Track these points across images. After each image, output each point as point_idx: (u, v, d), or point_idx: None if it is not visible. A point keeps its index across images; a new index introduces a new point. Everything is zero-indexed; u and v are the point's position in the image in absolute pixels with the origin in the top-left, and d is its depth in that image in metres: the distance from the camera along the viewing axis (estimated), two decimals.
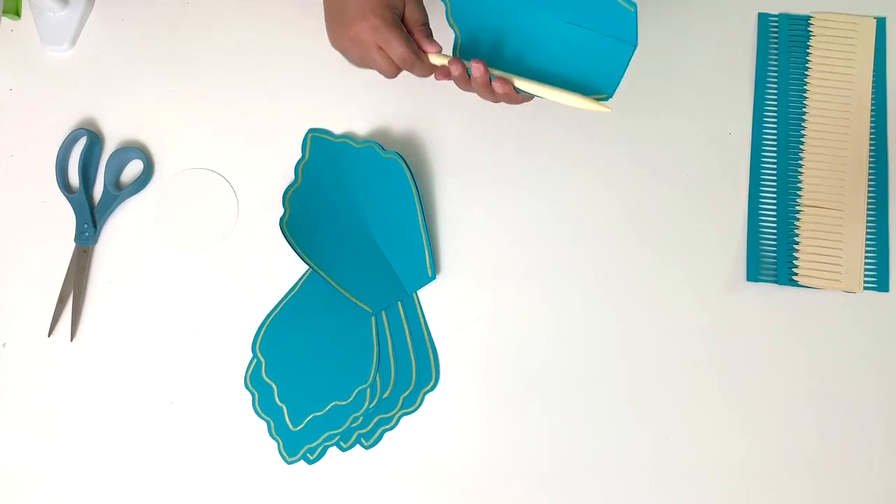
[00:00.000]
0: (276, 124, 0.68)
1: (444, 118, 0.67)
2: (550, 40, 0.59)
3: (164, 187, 0.68)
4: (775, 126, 0.66)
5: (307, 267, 0.65)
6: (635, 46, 0.56)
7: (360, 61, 0.57)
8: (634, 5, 0.55)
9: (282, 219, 0.65)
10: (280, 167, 0.67)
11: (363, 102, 0.68)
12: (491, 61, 0.56)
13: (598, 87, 0.57)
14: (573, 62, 0.58)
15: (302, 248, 0.64)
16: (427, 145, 0.67)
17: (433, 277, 0.64)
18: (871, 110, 0.65)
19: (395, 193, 0.64)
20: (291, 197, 0.66)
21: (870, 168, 0.64)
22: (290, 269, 0.65)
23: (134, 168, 0.69)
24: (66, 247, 0.67)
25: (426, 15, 0.56)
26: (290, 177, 0.67)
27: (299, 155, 0.67)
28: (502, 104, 0.58)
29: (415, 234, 0.64)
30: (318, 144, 0.67)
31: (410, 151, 0.67)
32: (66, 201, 0.67)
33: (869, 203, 0.64)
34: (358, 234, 0.65)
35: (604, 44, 0.57)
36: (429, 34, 0.56)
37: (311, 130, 0.67)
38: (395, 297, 0.64)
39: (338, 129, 0.68)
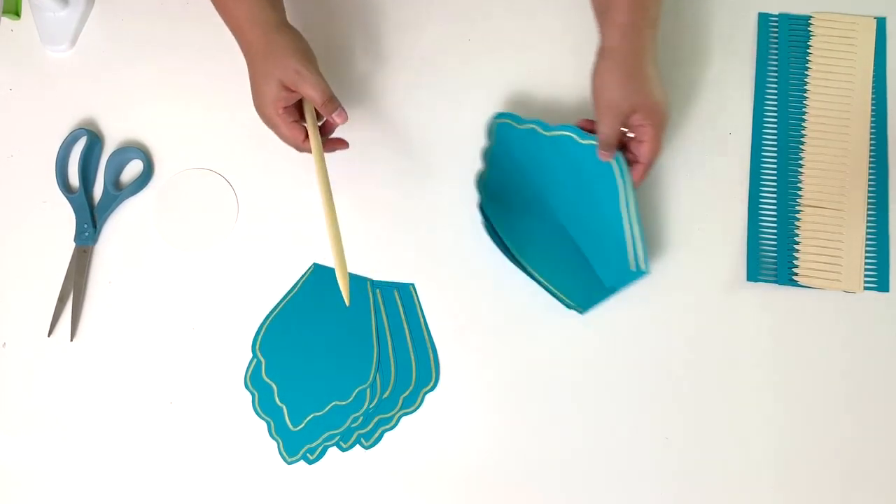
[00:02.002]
0: None
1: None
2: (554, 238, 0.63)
3: (164, 187, 0.68)
4: (775, 126, 0.66)
5: (307, 267, 0.65)
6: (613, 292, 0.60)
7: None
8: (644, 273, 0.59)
9: (481, 204, 0.62)
10: (280, 167, 0.67)
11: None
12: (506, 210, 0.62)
13: (575, 299, 0.61)
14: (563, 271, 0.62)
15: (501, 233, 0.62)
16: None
17: (647, 271, 0.59)
18: (871, 110, 0.65)
19: (596, 184, 0.61)
20: (481, 182, 0.63)
21: (870, 168, 0.64)
22: (290, 269, 0.65)
23: (134, 168, 0.69)
24: (66, 247, 0.67)
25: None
26: (291, 176, 0.67)
27: (299, 155, 0.67)
28: None
29: (617, 226, 0.60)
30: (504, 131, 0.63)
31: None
32: (66, 201, 0.67)
33: (869, 203, 0.64)
34: (552, 228, 0.63)
35: (590, 273, 0.62)
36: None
37: (498, 116, 0.64)
38: (602, 295, 0.61)
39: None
